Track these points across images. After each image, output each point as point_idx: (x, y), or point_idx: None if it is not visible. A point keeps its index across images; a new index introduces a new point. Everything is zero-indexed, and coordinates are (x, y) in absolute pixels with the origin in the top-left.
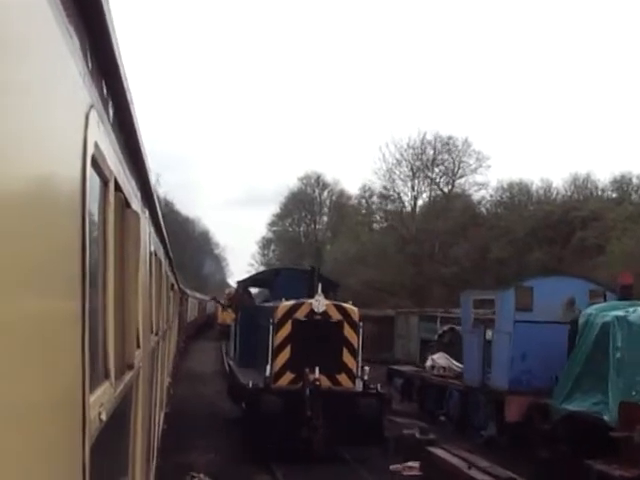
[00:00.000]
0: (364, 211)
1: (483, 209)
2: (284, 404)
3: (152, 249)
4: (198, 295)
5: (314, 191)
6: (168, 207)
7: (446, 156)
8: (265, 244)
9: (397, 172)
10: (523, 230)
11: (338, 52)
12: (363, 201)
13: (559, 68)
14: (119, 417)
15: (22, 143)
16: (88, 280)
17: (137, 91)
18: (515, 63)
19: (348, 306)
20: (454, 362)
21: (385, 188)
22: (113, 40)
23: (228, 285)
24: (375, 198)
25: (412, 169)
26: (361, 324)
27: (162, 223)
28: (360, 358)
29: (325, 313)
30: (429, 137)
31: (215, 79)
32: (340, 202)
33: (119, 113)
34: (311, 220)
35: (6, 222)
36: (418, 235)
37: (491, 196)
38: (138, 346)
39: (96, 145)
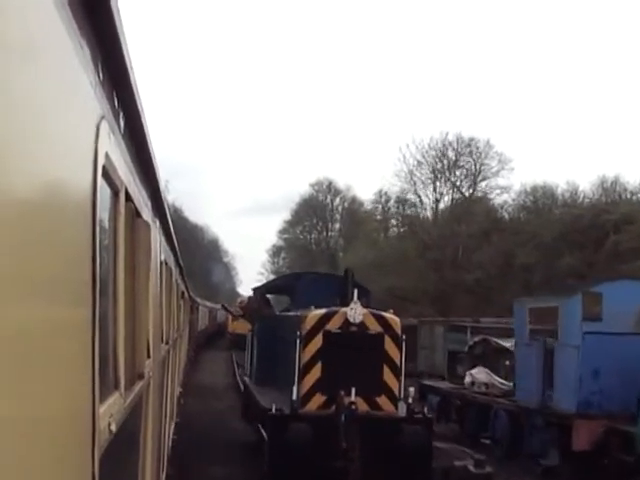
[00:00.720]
0: (379, 217)
1: (505, 213)
2: (314, 432)
3: (163, 258)
4: (209, 304)
5: (326, 197)
6: (177, 214)
7: (467, 158)
8: (275, 252)
9: (418, 174)
10: (550, 235)
11: (348, 56)
12: (379, 206)
13: (582, 69)
14: (129, 427)
15: (34, 153)
16: (99, 289)
17: (147, 98)
18: (537, 63)
19: (389, 316)
20: (496, 377)
21: (404, 192)
22: (124, 51)
23: (238, 294)
24: (392, 202)
25: (434, 171)
26: (404, 337)
27: (173, 232)
28: (403, 377)
29: (362, 324)
30: (451, 138)
31: (222, 85)
32: (352, 208)
33: (130, 123)
34: (323, 227)
35: (17, 231)
36: (439, 240)
37: (513, 200)
38: (148, 356)
39: (107, 156)
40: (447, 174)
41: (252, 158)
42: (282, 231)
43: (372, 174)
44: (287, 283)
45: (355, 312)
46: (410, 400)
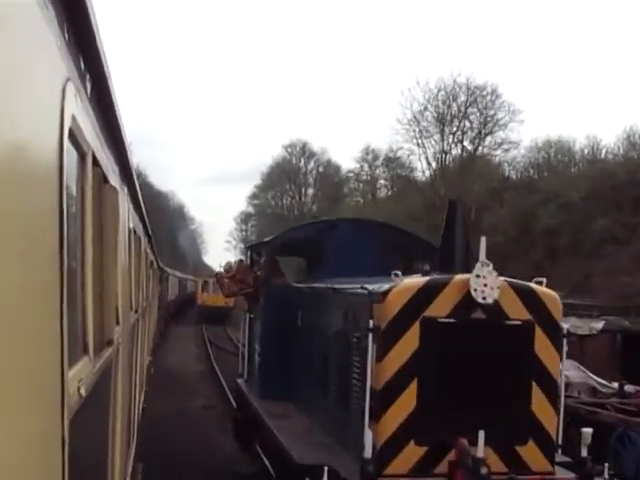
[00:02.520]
0: (366, 177)
1: (512, 171)
2: None
3: (131, 226)
4: (178, 274)
5: (300, 160)
6: (141, 178)
7: (472, 109)
8: (244, 219)
9: (423, 123)
10: (577, 194)
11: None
12: (364, 165)
13: (600, 8)
14: (99, 392)
15: None
16: (65, 254)
17: (114, 64)
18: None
19: (544, 291)
20: (594, 377)
21: (396, 148)
22: (90, 12)
23: (204, 264)
24: (380, 161)
25: (440, 118)
26: (566, 328)
27: (141, 200)
28: (562, 404)
29: (496, 306)
30: (461, 80)
31: (187, 50)
32: (327, 173)
33: (97, 86)
34: (296, 192)
35: None
36: (445, 201)
37: (523, 156)
38: (117, 322)
39: (73, 118)
40: (456, 122)
41: (220, 127)
42: (252, 197)
43: (348, 138)
44: (311, 237)
45: (485, 284)
46: (583, 451)
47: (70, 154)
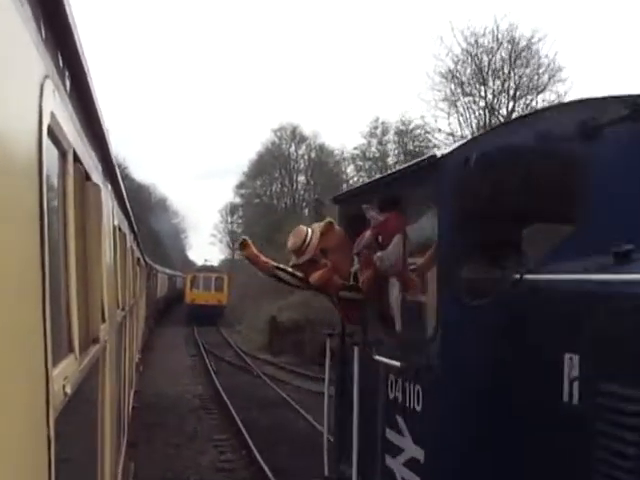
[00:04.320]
0: (376, 152)
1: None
2: None
3: (116, 223)
4: (168, 271)
5: (290, 145)
6: (120, 169)
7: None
8: (231, 210)
9: (462, 77)
10: None
11: None
12: (373, 141)
13: None
14: (85, 391)
15: None
16: (48, 252)
17: (93, 61)
18: None
19: None
20: None
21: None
22: (67, 8)
23: (189, 261)
24: (390, 136)
25: (481, 72)
26: None
27: (125, 197)
28: None
29: None
30: (504, 27)
31: (163, 45)
32: (321, 159)
33: (76, 83)
34: (287, 179)
35: None
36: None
37: None
38: (103, 320)
39: (52, 115)
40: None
41: (203, 121)
42: (239, 186)
43: (341, 121)
44: (546, 150)
45: None
46: None
47: (50, 152)
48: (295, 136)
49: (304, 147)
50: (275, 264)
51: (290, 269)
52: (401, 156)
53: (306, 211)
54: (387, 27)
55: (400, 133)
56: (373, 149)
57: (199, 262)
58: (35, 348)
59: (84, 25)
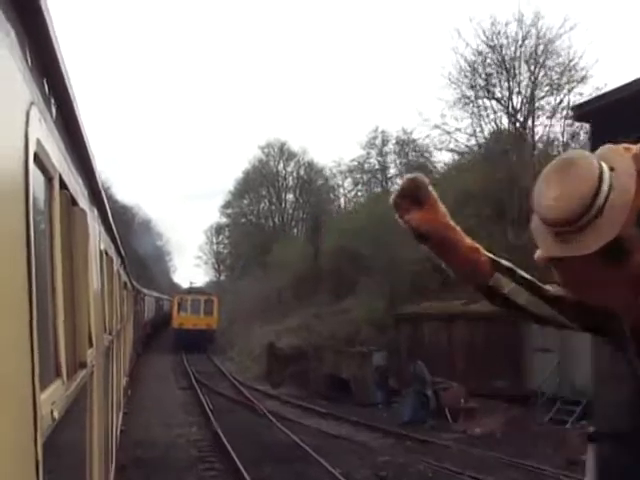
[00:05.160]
0: (376, 164)
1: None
2: None
3: (102, 247)
4: (155, 294)
5: (279, 162)
6: (104, 189)
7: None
8: (217, 230)
9: (488, 69)
10: None
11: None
12: (372, 152)
13: None
14: (73, 415)
15: None
16: (34, 277)
17: (78, 87)
18: None
19: None
20: None
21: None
22: (52, 36)
23: (174, 283)
24: (391, 145)
25: (504, 63)
26: None
27: (112, 221)
28: None
29: None
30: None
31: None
32: (309, 176)
33: (62, 110)
34: (276, 197)
35: None
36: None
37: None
38: (91, 344)
39: (38, 142)
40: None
41: (187, 144)
42: (225, 205)
43: (327, 138)
44: None
45: None
46: None
47: (36, 178)
48: (283, 153)
49: (292, 164)
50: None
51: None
52: (403, 167)
53: (295, 230)
54: (379, 34)
55: (402, 143)
56: (372, 160)
57: (184, 285)
58: (23, 372)
59: (67, 44)
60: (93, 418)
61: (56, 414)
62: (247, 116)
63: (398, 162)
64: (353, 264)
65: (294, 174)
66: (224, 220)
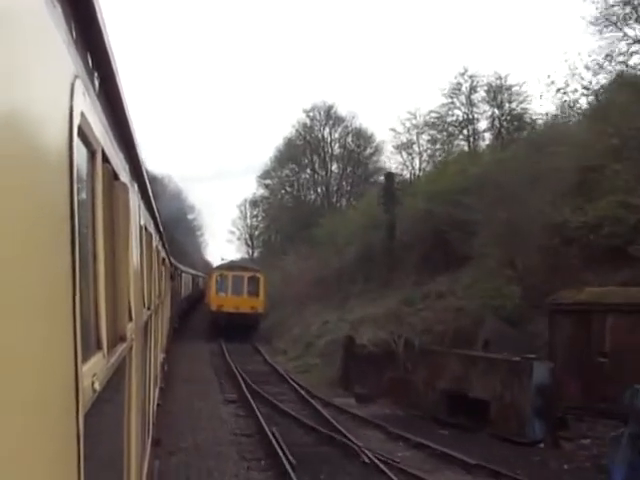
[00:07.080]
0: (462, 115)
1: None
2: None
3: (142, 223)
4: (192, 271)
5: (324, 128)
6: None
7: None
8: (254, 202)
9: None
10: None
11: None
12: (457, 102)
13: None
14: (113, 388)
15: (4, 114)
16: (77, 251)
17: (122, 61)
18: None
19: None
20: None
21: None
22: (97, 9)
23: (205, 260)
24: (482, 93)
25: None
26: None
27: (152, 197)
28: None
29: None
30: None
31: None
32: (356, 142)
33: (105, 84)
34: (321, 165)
35: None
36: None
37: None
38: (130, 319)
39: (82, 115)
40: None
41: (223, 120)
42: (263, 175)
43: (383, 102)
44: None
45: None
46: None
47: (80, 151)
48: (330, 117)
49: (339, 130)
50: None
51: None
52: (495, 121)
53: (343, 202)
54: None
55: (494, 90)
56: (457, 112)
57: (215, 262)
58: (65, 344)
59: (110, 18)
60: (132, 391)
61: (97, 386)
62: (287, 85)
63: (489, 113)
64: (451, 234)
65: (341, 141)
66: (261, 192)
